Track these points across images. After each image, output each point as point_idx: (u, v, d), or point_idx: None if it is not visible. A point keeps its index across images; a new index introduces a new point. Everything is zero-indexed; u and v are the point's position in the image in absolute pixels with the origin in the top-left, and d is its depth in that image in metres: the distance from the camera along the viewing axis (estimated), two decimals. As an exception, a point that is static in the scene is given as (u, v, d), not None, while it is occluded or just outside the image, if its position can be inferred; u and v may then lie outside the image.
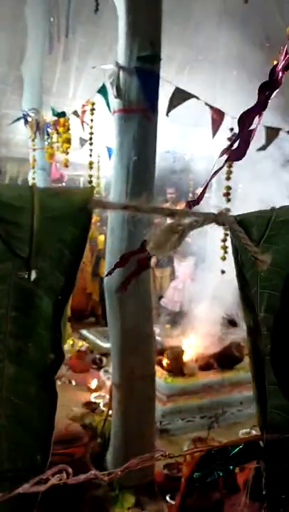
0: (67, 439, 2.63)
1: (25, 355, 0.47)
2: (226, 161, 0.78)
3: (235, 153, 0.76)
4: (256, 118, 0.75)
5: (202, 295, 4.66)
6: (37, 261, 0.46)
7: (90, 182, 3.74)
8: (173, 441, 3.67)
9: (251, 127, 0.76)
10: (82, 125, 3.66)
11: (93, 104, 3.50)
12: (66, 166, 4.07)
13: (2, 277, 0.46)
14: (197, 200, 0.58)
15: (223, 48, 5.03)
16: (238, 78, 4.80)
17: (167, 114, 3.09)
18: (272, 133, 3.37)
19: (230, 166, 3.21)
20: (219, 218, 0.48)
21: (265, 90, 0.68)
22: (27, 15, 5.10)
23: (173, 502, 2.75)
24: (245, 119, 0.72)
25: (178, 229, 0.47)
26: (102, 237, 6.40)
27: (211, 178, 0.61)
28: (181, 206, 6.84)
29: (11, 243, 0.45)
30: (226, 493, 2.72)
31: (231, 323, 5.63)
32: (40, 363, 0.48)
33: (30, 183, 4.90)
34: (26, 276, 0.46)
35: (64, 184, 6.46)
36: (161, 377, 3.99)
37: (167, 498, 2.82)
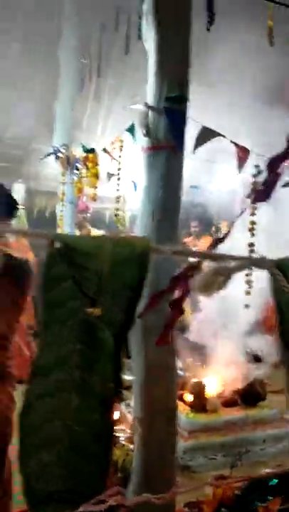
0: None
1: (89, 385, 0.52)
2: (252, 203, 0.83)
3: (261, 195, 0.81)
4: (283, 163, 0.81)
5: (226, 329, 4.63)
6: (101, 299, 0.51)
7: (117, 215, 3.84)
8: (195, 479, 3.60)
9: (278, 171, 0.81)
10: (112, 162, 3.79)
11: (122, 141, 3.63)
12: (94, 199, 4.20)
13: (70, 314, 0.52)
14: (223, 238, 0.62)
15: (249, 87, 5.17)
16: (264, 119, 4.90)
17: (194, 152, 3.18)
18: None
19: (254, 202, 3.26)
20: (260, 263, 0.52)
21: None
22: (60, 55, 5.38)
23: None
24: (274, 165, 0.77)
25: (224, 272, 0.52)
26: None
27: (237, 218, 0.66)
28: (205, 239, 6.88)
29: (82, 284, 0.51)
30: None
31: (255, 358, 5.56)
32: (102, 392, 0.52)
33: (58, 216, 5.05)
34: (91, 314, 0.51)
35: (89, 215, 6.63)
36: (183, 413, 3.95)
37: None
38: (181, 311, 0.87)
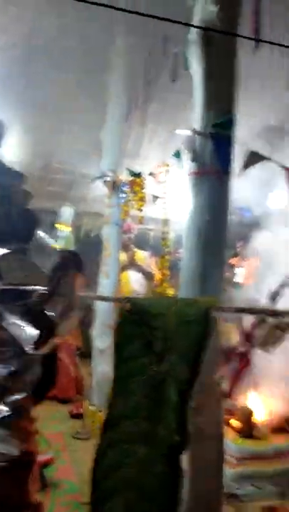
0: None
1: (154, 436, 0.54)
2: None
3: None
4: None
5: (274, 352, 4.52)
6: (168, 356, 0.54)
7: (164, 239, 3.89)
8: (242, 509, 3.50)
9: None
10: (158, 185, 3.86)
11: (168, 165, 3.70)
12: (141, 222, 4.27)
13: (140, 369, 0.55)
14: (276, 296, 0.62)
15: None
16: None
17: (240, 176, 3.19)
18: None
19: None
20: None
21: None
22: (108, 83, 5.56)
23: None
24: None
25: (282, 326, 0.53)
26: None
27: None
28: (250, 260, 6.72)
29: (151, 342, 0.54)
30: None
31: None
32: (167, 443, 0.54)
33: (104, 237, 5.16)
34: (158, 369, 0.54)
35: (133, 235, 6.72)
36: (230, 439, 3.87)
37: None
38: (248, 363, 0.88)
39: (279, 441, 4.00)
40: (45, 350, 1.85)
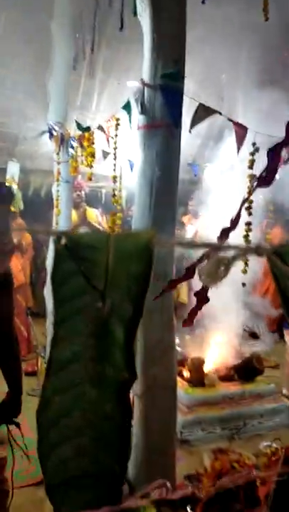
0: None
1: (103, 376, 0.54)
2: (254, 188, 0.83)
3: (264, 181, 0.82)
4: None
5: (223, 307, 4.67)
6: (110, 294, 0.54)
7: (114, 195, 3.82)
8: (193, 452, 3.69)
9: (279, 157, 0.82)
10: (108, 141, 3.75)
11: (118, 119, 3.59)
12: (90, 179, 4.17)
13: (82, 310, 0.54)
14: (232, 227, 0.62)
15: (245, 63, 5.09)
16: (260, 95, 4.84)
17: (190, 131, 3.16)
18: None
19: (251, 180, 3.26)
20: (259, 251, 0.54)
21: None
22: (53, 29, 5.26)
23: (194, 513, 2.77)
24: (275, 151, 0.78)
25: (225, 261, 0.53)
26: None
27: (241, 206, 0.66)
28: (202, 218, 6.81)
29: (90, 278, 0.53)
30: (246, 506, 2.72)
31: (252, 335, 5.64)
32: (116, 382, 0.54)
33: (54, 195, 5.02)
34: (102, 308, 0.54)
35: (83, 193, 6.59)
36: (182, 388, 4.02)
37: (188, 509, 2.84)
38: (207, 300, 0.89)
39: (227, 388, 4.21)
40: None
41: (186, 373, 4.28)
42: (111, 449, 0.55)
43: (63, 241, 0.54)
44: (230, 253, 0.56)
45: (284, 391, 4.63)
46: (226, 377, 4.32)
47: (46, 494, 0.55)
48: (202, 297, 0.89)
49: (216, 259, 0.54)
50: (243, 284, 3.21)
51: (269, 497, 2.78)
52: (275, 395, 4.34)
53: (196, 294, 0.90)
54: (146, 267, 0.53)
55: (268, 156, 0.77)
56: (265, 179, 0.80)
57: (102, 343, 0.54)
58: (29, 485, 3.10)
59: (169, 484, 0.52)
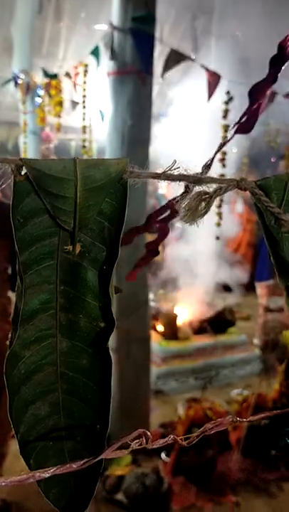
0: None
1: (76, 327, 0.49)
2: (234, 134, 0.77)
3: (243, 126, 0.76)
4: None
5: (196, 261, 4.70)
6: (80, 234, 0.47)
7: (84, 146, 3.69)
8: (167, 402, 3.78)
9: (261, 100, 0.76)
10: (75, 88, 3.58)
11: (86, 66, 3.42)
12: (58, 130, 4.01)
13: (49, 253, 0.47)
14: (207, 168, 0.58)
15: (219, 7, 4.88)
16: (234, 38, 4.68)
17: (162, 76, 3.03)
18: (269, 97, 3.33)
19: (225, 131, 3.18)
20: (241, 184, 0.49)
21: (277, 63, 0.68)
22: None
23: (168, 459, 2.86)
24: (256, 93, 0.72)
25: (205, 196, 0.48)
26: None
27: (218, 150, 0.61)
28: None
29: (57, 216, 0.46)
30: (219, 451, 2.83)
31: (226, 288, 5.71)
32: (92, 333, 0.49)
33: (21, 148, 4.83)
34: (71, 250, 0.47)
35: (52, 146, 6.38)
36: (156, 341, 4.07)
37: (162, 455, 2.93)
38: (156, 253, 0.84)
39: (200, 340, 4.29)
40: None
41: (159, 327, 4.33)
42: (90, 405, 0.51)
43: (24, 172, 0.47)
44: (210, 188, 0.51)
45: (254, 341, 4.77)
46: (198, 330, 4.40)
47: (20, 454, 0.51)
48: (152, 250, 0.84)
49: (197, 194, 0.49)
50: (217, 238, 3.19)
51: (240, 442, 2.90)
52: (246, 345, 4.46)
53: (147, 245, 0.85)
54: (120, 202, 0.47)
55: (249, 96, 0.71)
56: (244, 124, 0.74)
57: (74, 290, 0.49)
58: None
59: (148, 433, 0.49)
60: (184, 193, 0.49)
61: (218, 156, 3.21)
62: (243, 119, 0.80)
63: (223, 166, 3.19)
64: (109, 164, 0.47)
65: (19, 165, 0.46)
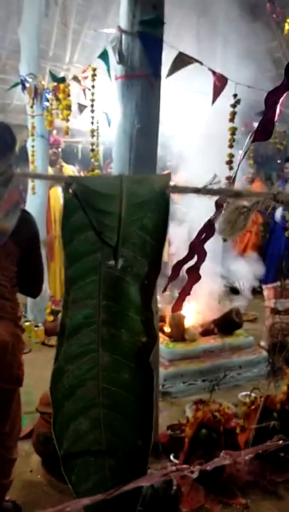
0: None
1: (118, 341, 0.49)
2: (252, 142, 0.78)
3: (261, 134, 0.77)
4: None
5: (204, 263, 4.69)
6: (123, 249, 0.47)
7: (93, 150, 3.71)
8: (175, 403, 3.79)
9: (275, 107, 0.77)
10: (84, 92, 3.60)
11: (94, 69, 3.44)
12: (67, 133, 4.03)
13: (93, 268, 0.48)
14: (232, 181, 0.58)
15: (225, 11, 4.89)
16: (240, 41, 4.69)
17: (167, 77, 3.04)
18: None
19: (232, 134, 3.20)
20: (278, 197, 0.50)
21: None
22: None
23: (177, 461, 2.87)
24: (271, 100, 0.73)
25: (244, 210, 0.49)
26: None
27: (241, 159, 0.62)
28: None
29: (102, 232, 0.47)
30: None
31: (233, 291, 5.71)
32: (133, 347, 0.49)
33: (29, 151, 4.85)
34: (114, 265, 0.48)
35: (60, 150, 6.38)
36: (163, 343, 4.08)
37: (171, 457, 2.94)
38: (199, 278, 0.84)
39: (207, 342, 4.29)
40: None
41: (167, 329, 4.33)
42: (131, 421, 0.51)
43: (73, 188, 0.47)
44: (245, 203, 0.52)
45: (262, 343, 4.76)
46: (206, 332, 4.40)
47: (62, 469, 0.51)
48: (195, 274, 0.84)
49: (234, 208, 0.50)
50: (224, 240, 3.20)
51: (248, 444, 2.90)
52: (253, 347, 4.45)
53: (188, 270, 0.84)
54: (162, 216, 0.48)
55: (265, 104, 0.71)
56: (262, 132, 0.74)
57: (116, 305, 0.49)
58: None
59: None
60: (218, 208, 0.50)
61: (225, 158, 3.22)
62: (260, 127, 0.81)
63: (231, 168, 3.21)
64: (152, 180, 0.47)
65: (68, 182, 0.46)
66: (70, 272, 0.48)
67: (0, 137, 2.06)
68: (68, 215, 0.47)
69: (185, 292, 0.93)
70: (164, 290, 0.95)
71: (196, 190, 0.48)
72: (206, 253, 0.75)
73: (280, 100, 0.73)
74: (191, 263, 0.87)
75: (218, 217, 0.51)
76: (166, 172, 7.43)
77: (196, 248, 0.74)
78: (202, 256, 0.77)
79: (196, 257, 0.83)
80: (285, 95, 0.73)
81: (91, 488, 0.47)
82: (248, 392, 3.85)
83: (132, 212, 0.47)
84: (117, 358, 0.50)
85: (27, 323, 5.00)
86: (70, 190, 0.48)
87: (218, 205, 0.51)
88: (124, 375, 0.50)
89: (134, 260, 0.48)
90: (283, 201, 0.50)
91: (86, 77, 3.62)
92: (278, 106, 0.74)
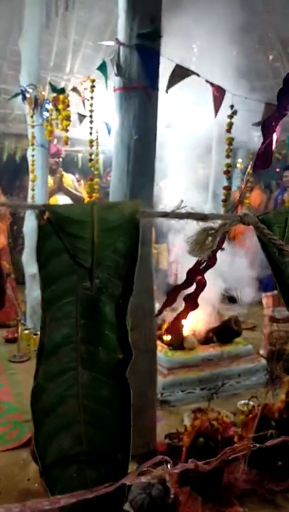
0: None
1: (96, 359, 0.52)
2: (253, 170, 0.81)
3: (261, 162, 0.80)
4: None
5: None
6: (98, 271, 0.51)
7: (91, 160, 3.75)
8: (173, 412, 3.79)
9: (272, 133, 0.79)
10: (84, 103, 3.65)
11: (93, 81, 3.49)
12: (66, 143, 4.07)
13: (70, 290, 0.51)
14: (239, 201, 0.61)
15: (222, 24, 4.95)
16: (238, 55, 4.75)
17: (167, 91, 3.09)
18: (269, 109, 3.38)
19: (230, 144, 3.23)
20: (244, 219, 0.53)
21: (284, 96, 0.72)
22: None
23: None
24: (269, 127, 0.76)
25: (211, 232, 0.52)
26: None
27: (245, 186, 0.66)
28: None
29: (77, 255, 0.50)
30: (225, 462, 2.84)
31: (231, 300, 5.73)
32: (110, 364, 0.52)
33: (29, 160, 4.90)
34: (90, 286, 0.51)
35: (61, 159, 6.43)
36: (161, 351, 4.09)
37: (168, 466, 2.94)
38: (196, 306, 0.86)
39: (206, 350, 4.30)
40: None
41: (165, 337, 4.35)
42: (111, 435, 0.53)
43: (46, 215, 0.51)
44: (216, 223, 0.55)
45: (261, 351, 4.77)
46: (204, 340, 4.41)
47: (46, 485, 0.53)
48: (192, 302, 0.87)
49: (202, 230, 0.53)
50: (222, 249, 3.22)
51: (246, 453, 2.91)
52: (252, 356, 4.46)
53: (186, 298, 0.87)
54: (133, 240, 0.51)
55: (262, 132, 0.74)
56: (262, 159, 0.77)
57: (93, 324, 0.52)
58: (13, 448, 3.16)
59: (169, 459, 0.52)
60: (221, 239, 0.53)
61: (223, 168, 3.26)
62: (259, 156, 0.83)
63: (228, 178, 3.24)
64: (123, 206, 0.51)
65: (42, 210, 0.50)
66: (46, 295, 0.51)
67: None
68: (43, 240, 0.50)
69: (181, 318, 0.95)
70: (158, 315, 0.98)
71: (166, 215, 0.51)
72: (205, 283, 0.78)
73: (276, 128, 0.75)
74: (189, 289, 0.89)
75: (221, 246, 0.55)
76: (164, 180, 7.48)
77: (195, 276, 0.76)
78: (201, 285, 0.79)
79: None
80: (279, 123, 0.76)
81: (75, 506, 0.50)
82: (247, 401, 3.86)
83: (104, 237, 0.50)
84: (95, 375, 0.52)
85: (26, 331, 5.02)
86: (44, 217, 0.51)
87: (221, 240, 0.54)
88: (103, 392, 0.53)
89: (109, 281, 0.52)
90: (250, 223, 0.53)
91: (86, 88, 3.66)
92: (275, 134, 0.77)
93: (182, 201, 0.53)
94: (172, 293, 0.86)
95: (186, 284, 0.80)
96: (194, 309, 0.88)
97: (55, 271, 0.52)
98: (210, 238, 0.52)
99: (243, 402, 3.85)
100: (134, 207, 0.52)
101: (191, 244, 0.53)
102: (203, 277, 0.80)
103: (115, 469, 0.53)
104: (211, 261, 0.73)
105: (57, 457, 0.53)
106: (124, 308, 0.53)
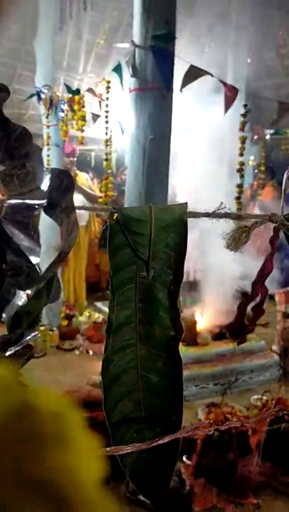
0: (90, 404, 2.80)
1: (152, 336, 0.63)
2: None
3: None
4: None
5: (214, 267, 4.77)
6: (153, 263, 0.61)
7: (106, 159, 3.82)
8: (187, 406, 3.86)
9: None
10: (100, 105, 3.72)
11: (108, 82, 3.55)
12: (82, 143, 4.14)
13: (130, 278, 0.62)
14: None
15: (235, 20, 4.98)
16: (251, 51, 4.77)
17: (181, 90, 3.15)
18: (284, 107, 3.43)
19: (243, 143, 3.28)
20: (273, 218, 0.61)
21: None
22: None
23: (189, 462, 2.94)
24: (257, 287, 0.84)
25: (245, 229, 0.61)
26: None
27: (257, 184, 0.75)
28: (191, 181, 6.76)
29: (137, 249, 0.60)
30: (239, 454, 2.90)
31: (245, 295, 5.76)
32: (164, 340, 0.63)
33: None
34: (146, 275, 0.62)
35: (76, 159, 6.53)
36: (176, 347, 4.15)
37: (184, 458, 3.01)
38: (262, 313, 0.93)
39: (220, 346, 4.36)
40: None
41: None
42: (165, 401, 0.63)
43: (115, 216, 0.61)
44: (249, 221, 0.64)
45: (273, 347, 4.81)
46: (218, 336, 4.46)
47: (112, 442, 0.63)
48: (259, 311, 0.93)
49: (238, 228, 0.62)
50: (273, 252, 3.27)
51: (260, 446, 2.96)
52: (265, 352, 4.51)
53: (253, 308, 0.93)
54: (182, 237, 0.61)
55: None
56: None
57: (149, 307, 0.62)
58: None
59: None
60: (273, 245, 0.62)
61: (236, 166, 3.31)
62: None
63: (241, 176, 3.29)
64: (174, 208, 0.61)
65: (112, 211, 0.60)
66: (114, 281, 0.61)
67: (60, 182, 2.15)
68: (113, 236, 0.60)
69: (250, 327, 1.03)
70: (237, 338, 1.06)
71: (208, 215, 0.60)
72: (267, 290, 0.85)
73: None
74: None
75: (273, 253, 0.65)
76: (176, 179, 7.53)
77: (259, 288, 0.84)
78: (264, 294, 0.87)
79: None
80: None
81: (135, 459, 0.61)
82: (260, 396, 3.92)
83: (159, 234, 0.59)
84: (151, 350, 0.63)
85: (42, 328, 5.12)
86: (114, 217, 0.61)
87: (272, 243, 0.63)
88: (158, 364, 0.63)
89: (162, 271, 0.61)
90: (277, 221, 0.60)
91: (101, 90, 3.73)
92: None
93: (222, 203, 0.61)
94: (241, 308, 0.94)
95: (252, 296, 0.87)
96: (261, 316, 0.96)
97: (121, 262, 0.62)
98: (244, 234, 0.61)
99: (256, 396, 3.90)
100: (183, 209, 0.61)
101: (228, 240, 0.62)
102: (264, 286, 0.86)
103: (170, 430, 0.63)
104: (268, 268, 0.79)
105: (120, 420, 0.63)
106: (176, 294, 0.63)
